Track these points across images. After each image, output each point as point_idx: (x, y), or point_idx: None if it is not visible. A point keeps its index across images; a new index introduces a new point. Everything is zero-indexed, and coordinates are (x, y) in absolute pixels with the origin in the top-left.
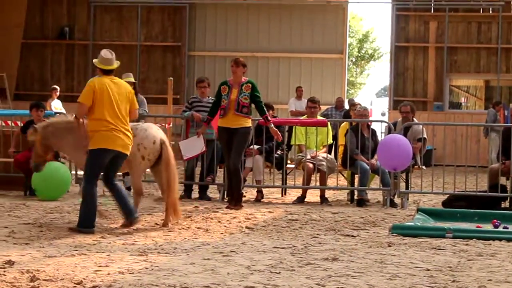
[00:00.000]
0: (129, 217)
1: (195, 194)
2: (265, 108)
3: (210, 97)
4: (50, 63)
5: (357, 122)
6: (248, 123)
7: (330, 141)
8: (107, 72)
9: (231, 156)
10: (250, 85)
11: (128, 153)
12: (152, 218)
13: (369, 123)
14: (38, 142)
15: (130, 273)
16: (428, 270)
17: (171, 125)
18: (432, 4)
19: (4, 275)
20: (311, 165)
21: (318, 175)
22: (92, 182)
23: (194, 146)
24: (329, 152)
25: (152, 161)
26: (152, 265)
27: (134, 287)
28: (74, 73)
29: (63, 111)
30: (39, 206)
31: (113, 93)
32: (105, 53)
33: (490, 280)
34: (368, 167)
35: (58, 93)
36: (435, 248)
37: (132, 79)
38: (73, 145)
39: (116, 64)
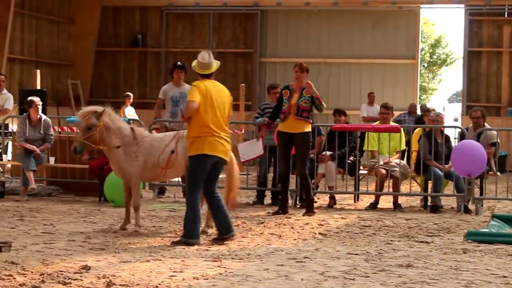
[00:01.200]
0: (225, 232)
1: (267, 200)
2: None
3: None
4: (123, 71)
5: (431, 128)
6: (308, 127)
7: (403, 147)
8: (207, 76)
9: (297, 164)
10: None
11: (228, 160)
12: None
13: (442, 129)
14: (98, 127)
15: (204, 279)
16: (505, 277)
17: (243, 131)
18: (506, 8)
19: (81, 279)
20: (384, 171)
21: (391, 181)
22: (195, 191)
23: (252, 149)
24: (402, 158)
25: None
26: (226, 271)
27: None
28: (146, 80)
29: (136, 117)
30: (114, 212)
31: (215, 97)
32: (203, 56)
33: None
34: (441, 173)
35: (131, 100)
36: (511, 255)
37: None
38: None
39: (216, 65)
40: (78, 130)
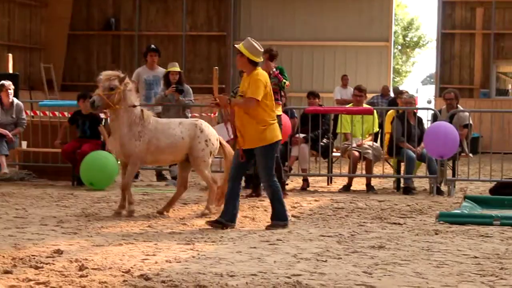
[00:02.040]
0: (229, 220)
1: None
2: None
3: None
4: (96, 54)
5: (403, 110)
6: (279, 110)
7: (376, 129)
8: (257, 64)
9: None
10: (277, 71)
11: None
12: (198, 207)
13: (415, 111)
14: (119, 90)
15: (177, 262)
16: (476, 257)
17: (216, 115)
18: None
19: (53, 264)
20: (357, 153)
21: (364, 163)
22: (274, 176)
23: (220, 133)
24: (375, 140)
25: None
26: (199, 254)
27: (182, 276)
28: (120, 63)
29: None
30: (87, 196)
31: (269, 84)
32: (255, 43)
33: None
34: (414, 155)
35: None
36: (482, 235)
37: (178, 69)
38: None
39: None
40: (98, 87)
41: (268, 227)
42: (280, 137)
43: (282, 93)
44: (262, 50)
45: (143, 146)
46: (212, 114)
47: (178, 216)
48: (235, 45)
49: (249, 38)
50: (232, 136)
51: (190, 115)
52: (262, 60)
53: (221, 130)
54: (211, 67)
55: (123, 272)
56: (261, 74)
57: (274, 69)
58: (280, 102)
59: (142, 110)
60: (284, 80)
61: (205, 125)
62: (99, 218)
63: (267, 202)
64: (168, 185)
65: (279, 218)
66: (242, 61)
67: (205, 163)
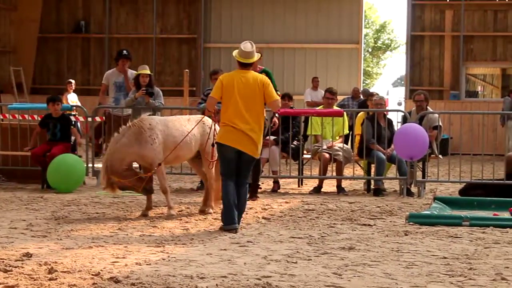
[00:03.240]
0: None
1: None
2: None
3: None
4: (66, 57)
5: (374, 111)
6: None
7: (346, 131)
8: (245, 66)
9: None
10: (264, 74)
11: (250, 153)
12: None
13: (385, 112)
14: None
15: (147, 264)
16: (445, 258)
17: None
18: None
19: (23, 267)
20: (327, 155)
21: (334, 165)
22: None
23: None
24: (346, 142)
25: None
26: (169, 256)
27: (151, 278)
28: (90, 66)
29: (79, 104)
30: (56, 199)
31: (238, 89)
32: (245, 46)
33: (507, 267)
34: (384, 156)
35: (73, 87)
36: (452, 236)
37: (148, 71)
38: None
39: (256, 57)
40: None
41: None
42: (221, 141)
43: None
44: (251, 50)
45: (159, 147)
46: None
47: (148, 218)
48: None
49: (244, 42)
50: None
51: None
52: (251, 60)
53: None
54: (181, 70)
55: (92, 275)
56: (229, 75)
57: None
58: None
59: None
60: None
61: (210, 121)
62: (69, 221)
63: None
64: None
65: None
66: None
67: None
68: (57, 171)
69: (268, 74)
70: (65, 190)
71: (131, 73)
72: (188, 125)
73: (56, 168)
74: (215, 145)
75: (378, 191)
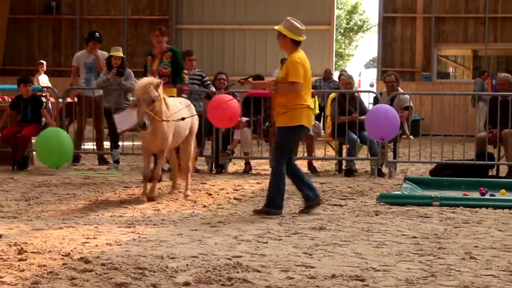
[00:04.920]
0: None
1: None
2: (183, 78)
3: (197, 70)
4: (37, 38)
5: (345, 92)
6: (172, 92)
7: (317, 111)
8: (298, 44)
9: None
10: (170, 53)
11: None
12: (140, 190)
13: (357, 94)
14: (160, 98)
15: (117, 245)
16: (415, 237)
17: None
18: None
19: None
20: None
21: (305, 144)
22: (284, 161)
23: (128, 119)
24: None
25: None
26: (139, 237)
27: (122, 258)
28: (61, 47)
29: (50, 85)
30: (27, 180)
31: (307, 68)
32: (296, 22)
33: (476, 246)
34: (356, 137)
35: (44, 68)
36: (422, 216)
37: (121, 53)
38: None
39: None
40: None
41: (254, 211)
42: (304, 123)
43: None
44: (304, 28)
45: (172, 135)
46: None
47: (119, 199)
48: (275, 27)
49: (288, 18)
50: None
51: (131, 98)
52: (304, 38)
53: (131, 115)
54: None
55: (62, 255)
56: (296, 55)
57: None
58: (173, 86)
59: (164, 99)
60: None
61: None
62: (39, 202)
63: (209, 185)
64: (110, 169)
65: (269, 205)
66: (284, 43)
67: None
68: (47, 145)
69: (175, 54)
70: (53, 164)
71: (102, 54)
72: (183, 109)
73: (46, 142)
74: (294, 129)
75: (350, 172)
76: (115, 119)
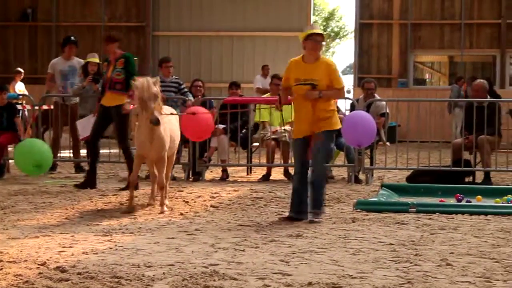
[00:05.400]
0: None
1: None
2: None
3: (174, 77)
4: (13, 46)
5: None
6: (123, 100)
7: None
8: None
9: (117, 139)
10: (123, 60)
11: None
12: (117, 198)
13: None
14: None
15: (94, 253)
16: (391, 244)
17: (135, 106)
18: None
19: None
20: (273, 142)
21: (281, 152)
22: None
23: (90, 126)
24: None
25: None
26: (116, 245)
27: (98, 267)
28: (37, 55)
29: (26, 93)
30: (3, 188)
31: None
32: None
33: (452, 253)
34: (333, 146)
35: (22, 76)
36: (398, 222)
37: (97, 60)
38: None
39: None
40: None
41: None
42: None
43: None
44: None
45: (168, 138)
46: (131, 106)
47: (96, 207)
48: (318, 31)
49: (312, 23)
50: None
51: None
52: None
53: (90, 123)
54: None
55: (38, 264)
56: (331, 61)
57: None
58: (125, 93)
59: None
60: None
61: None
62: (15, 210)
63: (185, 193)
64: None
65: (315, 206)
66: (319, 48)
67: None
68: (29, 153)
69: (128, 59)
70: (33, 172)
71: (79, 61)
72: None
73: (28, 150)
74: (335, 131)
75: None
76: (77, 126)
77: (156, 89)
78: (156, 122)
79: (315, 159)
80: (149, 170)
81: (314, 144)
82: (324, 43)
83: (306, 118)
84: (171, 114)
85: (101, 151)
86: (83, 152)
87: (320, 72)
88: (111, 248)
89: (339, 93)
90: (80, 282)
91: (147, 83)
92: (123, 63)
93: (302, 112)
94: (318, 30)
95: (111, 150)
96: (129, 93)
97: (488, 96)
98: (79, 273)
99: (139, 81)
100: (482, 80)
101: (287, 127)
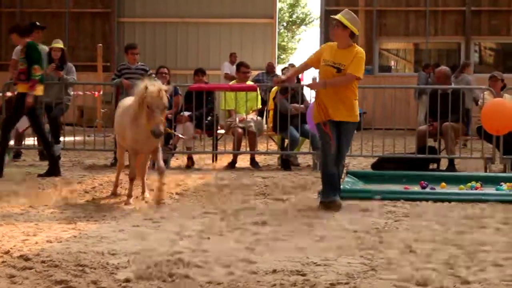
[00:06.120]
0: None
1: (127, 161)
2: (33, 75)
3: (140, 63)
4: None
5: (287, 86)
6: (26, 89)
7: (259, 105)
8: (353, 37)
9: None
10: (25, 49)
11: None
12: (81, 186)
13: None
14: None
15: (58, 242)
16: (356, 232)
17: (101, 93)
18: None
19: None
20: (240, 130)
21: (247, 140)
22: None
23: (26, 119)
24: (261, 117)
25: None
26: (80, 233)
27: (62, 255)
28: (1, 41)
29: None
30: None
31: None
32: (353, 14)
33: (416, 240)
34: (298, 134)
35: None
36: (363, 210)
37: (60, 45)
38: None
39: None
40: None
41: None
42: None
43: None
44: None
45: None
46: (96, 93)
47: (60, 195)
48: (334, 16)
49: (347, 9)
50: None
51: (72, 93)
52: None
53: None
54: (95, 45)
55: (2, 253)
56: (362, 51)
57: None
58: (27, 83)
59: None
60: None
61: None
62: None
63: (150, 181)
64: None
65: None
66: (343, 34)
67: None
68: None
69: (29, 48)
70: None
71: (43, 48)
72: None
73: None
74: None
75: (287, 163)
76: None
77: (166, 100)
78: (159, 135)
79: (341, 149)
80: (131, 164)
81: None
82: (342, 27)
83: (331, 102)
84: (171, 132)
85: (66, 138)
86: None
87: (348, 59)
88: (75, 236)
89: (347, 79)
90: (44, 271)
91: (160, 92)
92: (25, 52)
93: (325, 95)
94: (338, 15)
95: (76, 138)
96: (29, 84)
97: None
98: (43, 262)
99: (153, 87)
100: (444, 67)
101: (253, 116)
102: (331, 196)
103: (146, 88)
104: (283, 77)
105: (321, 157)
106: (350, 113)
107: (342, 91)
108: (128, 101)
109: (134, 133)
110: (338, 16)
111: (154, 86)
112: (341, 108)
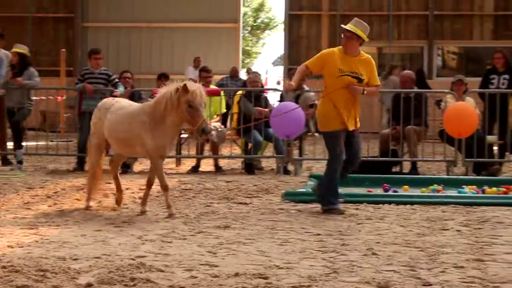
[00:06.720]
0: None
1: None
2: None
3: (103, 68)
4: None
5: (252, 90)
6: None
7: (224, 110)
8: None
9: None
10: None
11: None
12: (43, 191)
13: (265, 92)
14: None
15: (19, 247)
16: (319, 234)
17: (64, 98)
18: None
19: None
20: None
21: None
22: None
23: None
24: (224, 121)
25: None
26: (42, 238)
27: (23, 260)
28: None
29: None
30: None
31: None
32: (363, 22)
33: (378, 242)
34: (261, 138)
35: None
36: (326, 213)
37: (19, 50)
38: None
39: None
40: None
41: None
42: None
43: None
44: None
45: None
46: (59, 97)
47: (22, 200)
48: (348, 27)
49: (356, 18)
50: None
51: (34, 97)
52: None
53: None
54: (58, 50)
55: None
56: (371, 58)
57: None
58: None
59: None
60: None
61: None
62: None
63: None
64: (13, 170)
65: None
66: (356, 44)
67: None
68: None
69: None
70: None
71: (6, 53)
72: None
73: None
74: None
75: (250, 166)
76: None
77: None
78: (209, 133)
79: (358, 154)
80: (159, 173)
81: (355, 139)
82: (356, 38)
83: (347, 110)
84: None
85: (29, 143)
86: (10, 144)
87: (363, 68)
88: (37, 241)
89: (377, 90)
90: (5, 276)
91: (201, 90)
92: None
93: (342, 103)
94: (350, 25)
95: (39, 143)
96: None
97: (415, 87)
98: (3, 267)
99: (194, 86)
100: (409, 71)
101: (216, 124)
102: (336, 203)
103: (186, 87)
104: (293, 83)
105: (331, 164)
106: (357, 120)
107: (357, 100)
108: (122, 104)
109: (160, 138)
110: (351, 27)
111: (194, 84)
112: (354, 116)
